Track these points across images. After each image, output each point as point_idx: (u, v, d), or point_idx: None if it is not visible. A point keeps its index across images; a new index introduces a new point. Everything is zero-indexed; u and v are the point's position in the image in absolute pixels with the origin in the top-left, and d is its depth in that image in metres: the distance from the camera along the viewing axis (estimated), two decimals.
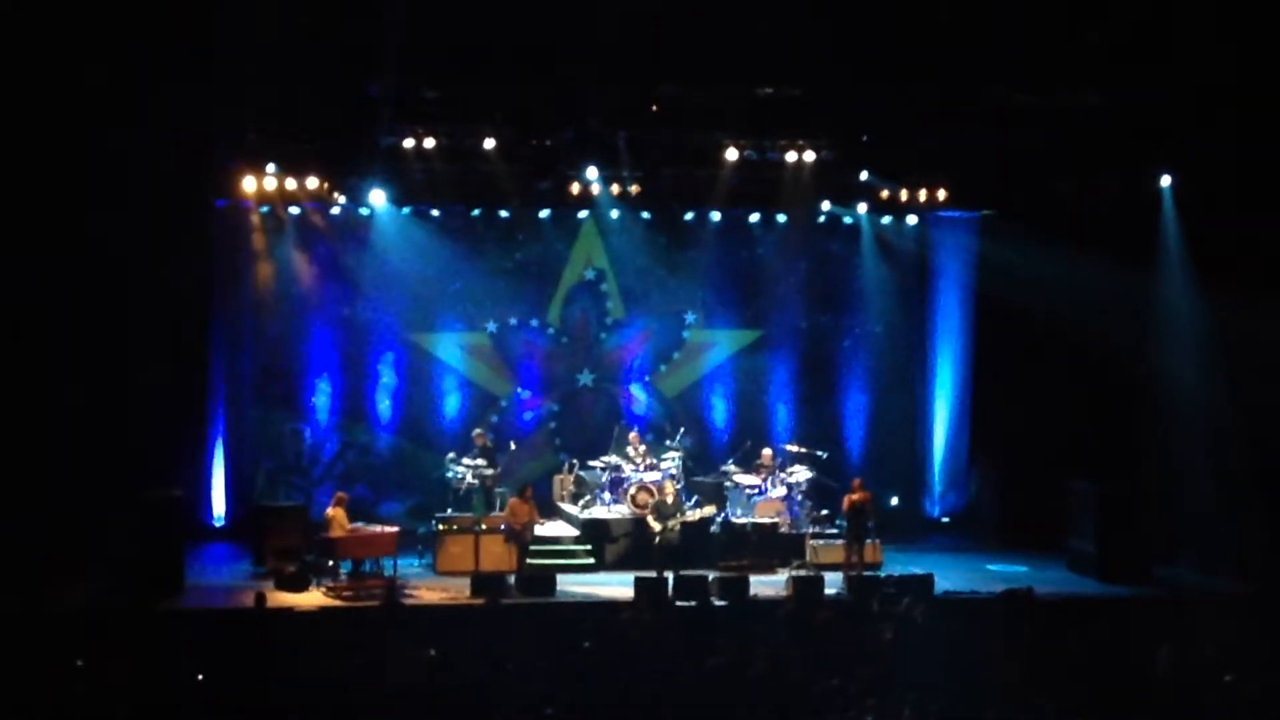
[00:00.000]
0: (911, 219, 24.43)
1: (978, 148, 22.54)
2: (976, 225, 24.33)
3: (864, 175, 23.38)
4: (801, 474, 22.02)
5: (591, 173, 22.70)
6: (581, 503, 22.22)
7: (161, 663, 14.37)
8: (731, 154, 22.56)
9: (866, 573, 20.11)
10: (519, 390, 24.32)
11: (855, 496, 20.47)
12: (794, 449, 22.49)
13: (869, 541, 20.78)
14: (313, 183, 22.40)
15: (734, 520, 21.47)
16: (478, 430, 22.51)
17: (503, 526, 20.53)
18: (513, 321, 24.26)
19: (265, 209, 23.02)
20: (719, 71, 21.40)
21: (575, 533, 21.64)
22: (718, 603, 18.64)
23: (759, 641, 14.67)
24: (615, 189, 23.12)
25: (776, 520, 21.51)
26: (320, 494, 22.88)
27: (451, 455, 22.06)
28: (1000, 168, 22.81)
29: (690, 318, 24.63)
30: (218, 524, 22.90)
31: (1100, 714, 12.76)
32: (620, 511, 21.55)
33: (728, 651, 14.30)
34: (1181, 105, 21.20)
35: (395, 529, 20.55)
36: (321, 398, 23.67)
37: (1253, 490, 20.70)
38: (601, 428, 23.66)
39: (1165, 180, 22.91)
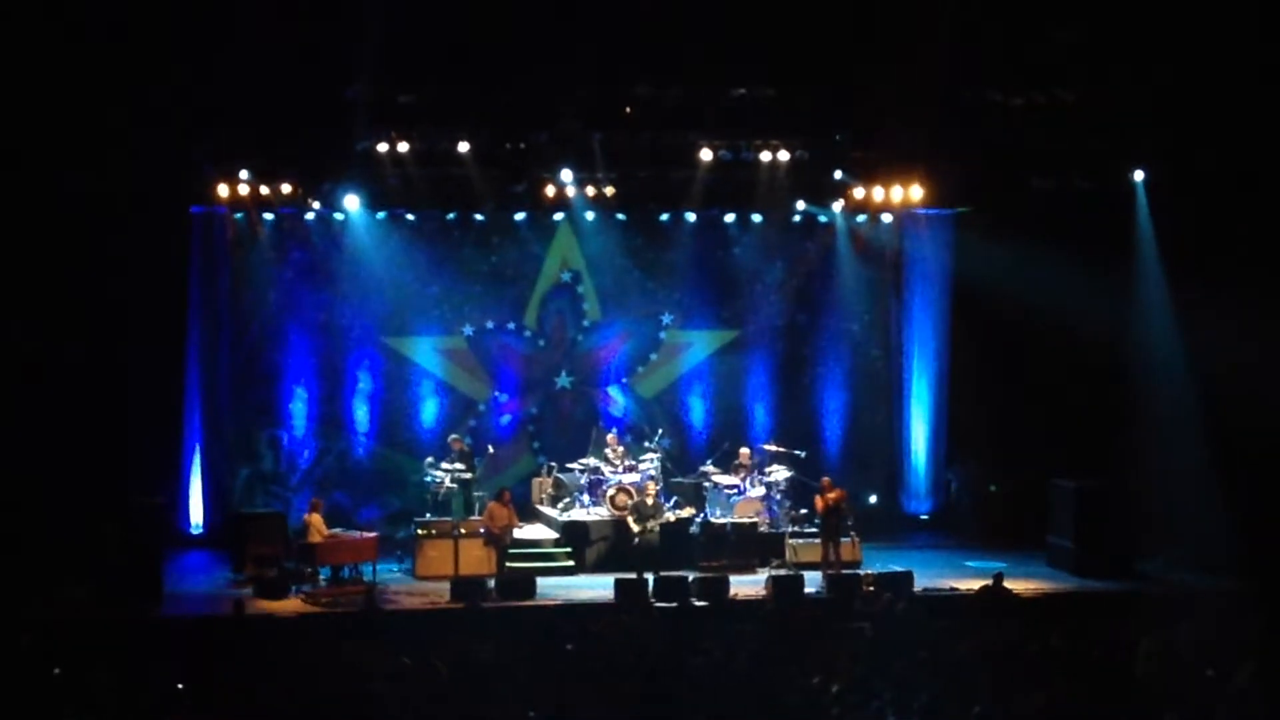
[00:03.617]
0: (887, 217, 24.49)
1: (952, 146, 22.62)
2: (952, 223, 24.39)
3: (838, 174, 23.42)
4: (780, 473, 22.05)
5: (566, 175, 22.70)
6: (560, 505, 22.20)
7: (141, 671, 14.30)
8: (706, 155, 22.60)
9: (845, 571, 20.13)
10: (497, 394, 24.29)
11: (829, 495, 20.51)
12: (772, 448, 22.52)
13: (847, 539, 20.81)
14: (287, 188, 22.37)
15: (713, 520, 21.47)
16: (454, 435, 22.49)
17: (481, 530, 20.52)
18: (490, 325, 24.24)
19: (240, 215, 22.96)
20: (693, 72, 21.42)
21: (555, 535, 21.63)
22: (698, 603, 18.65)
23: (740, 641, 14.69)
24: (590, 191, 23.12)
25: (756, 520, 21.52)
26: (299, 501, 22.84)
27: (430, 460, 22.03)
28: (975, 165, 22.87)
29: (667, 319, 24.64)
30: (196, 531, 22.80)
31: (1080, 708, 12.80)
32: (600, 513, 21.55)
33: (709, 652, 14.32)
34: (1153, 101, 21.29)
35: (374, 534, 20.54)
36: (299, 404, 23.61)
37: (1230, 484, 20.78)
38: (580, 430, 23.66)
39: (1139, 175, 23.00)
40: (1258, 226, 21.13)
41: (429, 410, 24.01)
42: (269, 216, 23.13)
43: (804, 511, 21.68)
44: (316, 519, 19.71)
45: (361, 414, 23.83)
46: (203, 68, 19.96)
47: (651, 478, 21.66)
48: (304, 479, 23.54)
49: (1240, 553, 19.73)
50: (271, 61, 20.03)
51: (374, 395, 23.87)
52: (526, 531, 21.58)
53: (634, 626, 16.16)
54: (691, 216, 24.14)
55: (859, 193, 23.74)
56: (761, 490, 21.87)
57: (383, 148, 21.90)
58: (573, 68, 20.87)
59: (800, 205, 24.17)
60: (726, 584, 19.23)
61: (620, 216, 24.02)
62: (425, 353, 24.07)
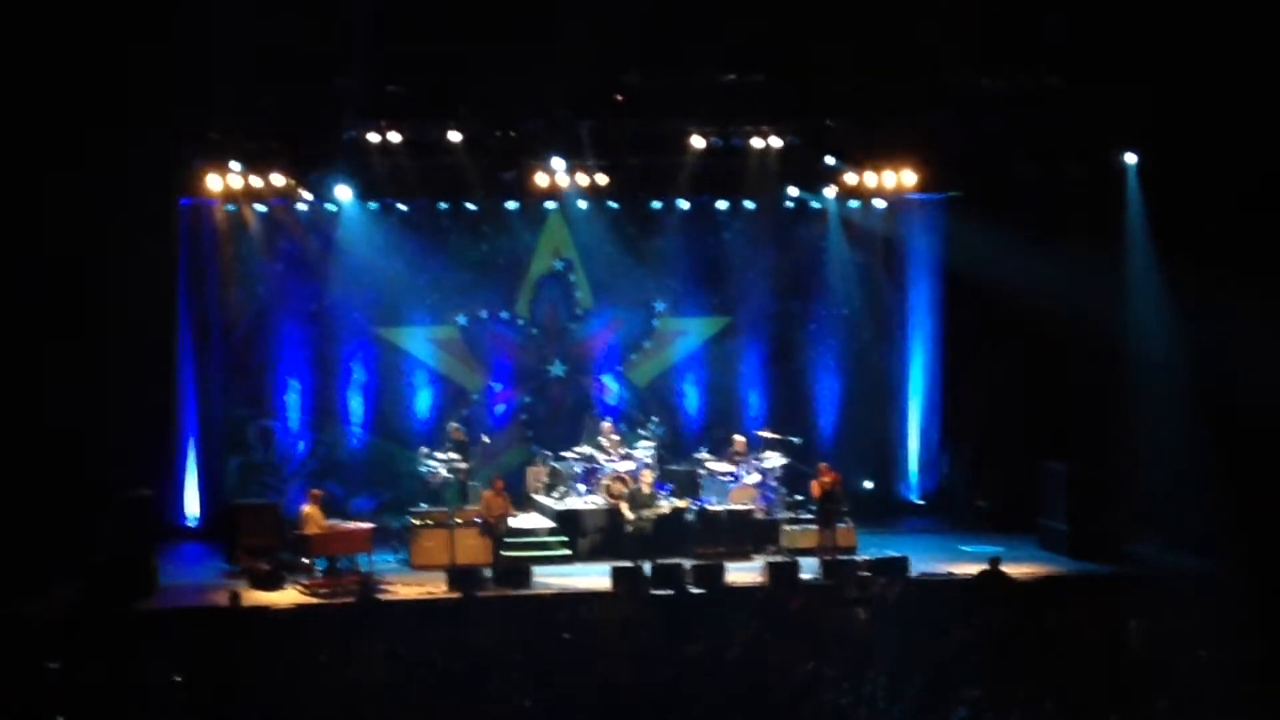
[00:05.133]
0: (878, 203, 24.47)
1: (943, 131, 22.62)
2: (944, 208, 24.39)
3: (830, 160, 23.41)
4: (775, 460, 22.06)
5: (557, 163, 22.67)
6: (556, 494, 22.22)
7: (137, 665, 14.31)
8: (697, 142, 22.58)
9: (841, 556, 20.16)
10: (490, 383, 24.28)
11: (825, 480, 20.52)
12: (767, 435, 22.53)
13: (842, 525, 20.84)
14: (278, 179, 22.33)
15: (709, 507, 21.48)
16: (453, 424, 22.47)
17: (477, 520, 20.52)
18: (482, 314, 24.23)
19: (231, 207, 22.92)
20: (683, 59, 21.39)
21: (550, 524, 21.64)
22: (694, 590, 18.67)
23: (736, 628, 14.71)
24: (581, 179, 23.09)
25: (751, 507, 21.55)
26: (293, 491, 22.84)
27: (424, 449, 22.04)
28: (966, 151, 22.89)
29: (660, 306, 24.63)
30: (190, 524, 22.81)
31: (1073, 690, 12.84)
32: (595, 502, 21.56)
33: (705, 639, 14.35)
34: (1143, 84, 21.29)
35: (369, 525, 20.54)
36: (292, 395, 23.59)
37: (1222, 468, 20.82)
38: (574, 419, 23.69)
39: (1130, 159, 23.01)
40: (1249, 208, 21.13)
41: (422, 400, 24.00)
42: (260, 208, 23.08)
43: (799, 498, 21.71)
44: (315, 511, 19.70)
45: (355, 404, 23.82)
46: (191, 59, 19.90)
47: (646, 466, 21.68)
48: (298, 470, 23.53)
49: (1231, 535, 19.79)
50: (260, 52, 19.98)
51: (367, 386, 23.85)
52: (522, 520, 21.58)
53: (630, 614, 16.19)
54: (683, 204, 24.13)
55: (850, 178, 23.72)
56: (756, 477, 21.89)
57: (373, 138, 21.86)
58: (562, 56, 20.82)
59: (792, 191, 24.16)
60: (722, 571, 19.24)
61: (611, 204, 24.01)
62: (418, 342, 24.06)
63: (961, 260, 23.65)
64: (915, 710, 12.16)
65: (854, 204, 24.51)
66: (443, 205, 23.65)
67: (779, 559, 20.16)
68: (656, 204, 24.16)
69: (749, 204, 24.30)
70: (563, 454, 22.58)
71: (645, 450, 22.15)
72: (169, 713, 12.95)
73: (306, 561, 19.52)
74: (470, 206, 23.68)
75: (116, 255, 21.15)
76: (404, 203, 23.43)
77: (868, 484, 24.34)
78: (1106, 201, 22.90)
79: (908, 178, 23.57)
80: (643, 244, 24.44)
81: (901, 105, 22.00)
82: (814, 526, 20.86)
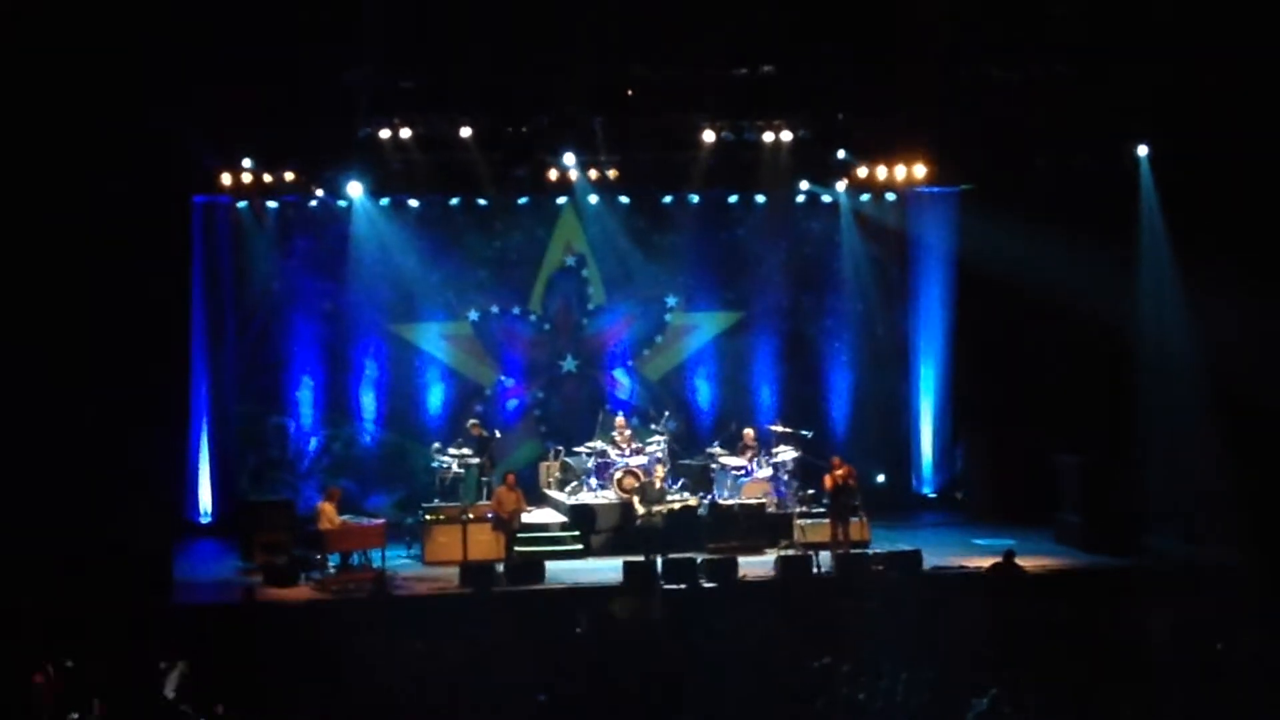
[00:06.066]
0: (891, 196, 24.44)
1: (955, 124, 22.57)
2: (956, 201, 24.33)
3: (841, 154, 23.37)
4: (787, 454, 22.02)
5: (569, 158, 22.67)
6: (568, 489, 22.22)
7: (152, 661, 14.35)
8: (709, 136, 22.55)
9: (854, 550, 20.14)
10: (503, 379, 24.30)
11: (838, 473, 20.49)
12: (779, 429, 22.50)
13: (855, 519, 20.80)
14: (290, 176, 22.36)
15: (721, 502, 21.46)
16: (472, 420, 22.45)
17: (490, 515, 20.53)
18: (494, 310, 24.24)
19: (243, 203, 22.95)
20: (694, 53, 21.37)
21: (563, 519, 21.65)
22: (707, 584, 18.66)
23: (749, 622, 14.72)
24: (593, 174, 23.09)
25: (763, 501, 21.52)
26: (307, 488, 22.90)
27: (437, 445, 22.04)
28: (978, 143, 22.84)
29: (672, 301, 24.63)
30: (204, 520, 22.86)
31: (1088, 683, 12.83)
32: (607, 497, 21.56)
33: (718, 633, 14.36)
34: (1156, 76, 21.23)
35: (382, 521, 20.55)
36: (305, 391, 23.63)
37: (1237, 460, 20.76)
38: (586, 414, 23.65)
39: (1142, 150, 22.94)
40: (1263, 199, 21.07)
41: (435, 396, 24.02)
42: (272, 205, 23.13)
43: (811, 492, 21.68)
44: (330, 508, 19.70)
45: (368, 401, 23.85)
46: (203, 56, 19.93)
47: (659, 460, 21.67)
48: (311, 467, 23.58)
49: (1246, 527, 19.73)
50: (272, 49, 20.00)
51: (380, 382, 23.88)
52: (534, 515, 21.59)
53: (643, 609, 16.20)
54: (695, 198, 24.12)
55: (862, 172, 23.68)
56: (769, 471, 21.86)
57: (385, 134, 21.87)
58: (572, 50, 20.81)
59: (804, 185, 24.12)
60: (735, 565, 19.23)
61: (623, 199, 24.00)
62: (430, 339, 24.08)
63: (974, 253, 23.58)
64: (931, 704, 12.15)
65: (866, 197, 24.47)
66: (455, 201, 23.67)
67: (792, 553, 20.13)
68: (668, 198, 24.15)
69: (761, 198, 24.28)
70: (575, 449, 22.58)
71: (657, 445, 22.13)
72: (184, 709, 12.99)
73: (320, 557, 19.54)
74: (482, 202, 23.70)
75: (130, 253, 21.19)
76: (416, 199, 23.46)
77: (881, 477, 24.30)
78: (1119, 193, 22.83)
79: (919, 171, 23.53)
80: (655, 239, 24.43)
81: (912, 98, 21.93)
82: (827, 520, 20.82)
